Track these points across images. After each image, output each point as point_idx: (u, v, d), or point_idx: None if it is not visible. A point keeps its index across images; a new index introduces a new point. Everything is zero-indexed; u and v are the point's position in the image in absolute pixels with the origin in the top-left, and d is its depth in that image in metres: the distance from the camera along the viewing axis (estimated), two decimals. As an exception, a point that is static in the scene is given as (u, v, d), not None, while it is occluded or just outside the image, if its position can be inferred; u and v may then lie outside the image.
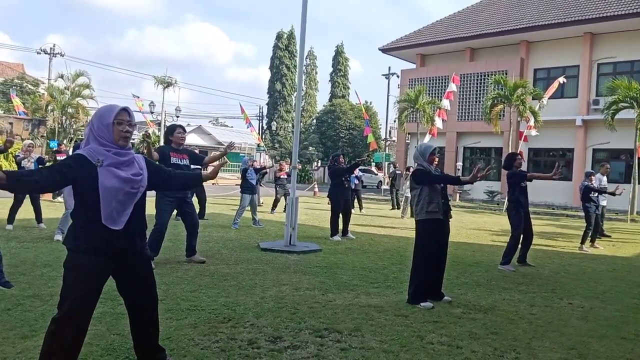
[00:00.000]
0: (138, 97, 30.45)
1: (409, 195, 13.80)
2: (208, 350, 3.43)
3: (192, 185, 3.02)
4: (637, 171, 17.76)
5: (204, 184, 12.72)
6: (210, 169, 2.94)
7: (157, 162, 3.85)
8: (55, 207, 12.46)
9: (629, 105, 17.88)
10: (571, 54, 23.67)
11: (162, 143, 27.59)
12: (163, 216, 6.31)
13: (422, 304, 4.80)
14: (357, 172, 15.77)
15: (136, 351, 3.00)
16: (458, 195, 23.76)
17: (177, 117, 35.03)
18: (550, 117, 22.11)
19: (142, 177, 2.77)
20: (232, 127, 62.93)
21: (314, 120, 46.66)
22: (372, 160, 33.18)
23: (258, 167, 12.42)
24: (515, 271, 6.94)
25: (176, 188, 3.14)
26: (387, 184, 18.50)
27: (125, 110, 2.76)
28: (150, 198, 5.01)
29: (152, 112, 32.83)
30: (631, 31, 21.96)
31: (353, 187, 16.08)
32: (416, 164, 5.21)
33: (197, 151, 6.55)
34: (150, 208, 6.49)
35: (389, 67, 40.90)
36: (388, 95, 40.55)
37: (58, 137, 25.81)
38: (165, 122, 31.92)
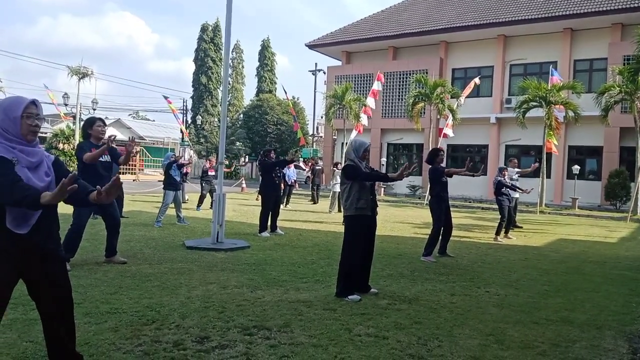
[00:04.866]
0: (50, 89, 28.43)
1: (337, 190, 14.09)
2: (130, 355, 3.28)
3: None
4: (545, 166, 19.12)
5: (122, 179, 12.19)
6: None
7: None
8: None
9: (538, 105, 19.25)
10: (486, 55, 25.04)
11: (77, 137, 26.12)
12: (81, 214, 5.94)
13: (349, 297, 4.89)
14: (293, 171, 16.18)
15: (51, 359, 2.82)
16: (382, 190, 24.43)
17: (94, 109, 33.10)
18: (467, 115, 23.28)
19: (51, 179, 2.60)
20: (153, 120, 60.76)
21: (241, 115, 46.00)
22: (300, 155, 33.28)
23: (184, 162, 12.04)
24: (436, 262, 7.25)
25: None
26: (310, 180, 18.97)
27: (34, 103, 2.62)
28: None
29: (66, 105, 30.80)
30: (540, 34, 23.60)
31: (290, 183, 16.24)
32: (347, 159, 5.23)
33: (114, 145, 6.21)
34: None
35: (316, 64, 41.13)
36: (315, 92, 40.89)
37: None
38: (80, 115, 30.08)
